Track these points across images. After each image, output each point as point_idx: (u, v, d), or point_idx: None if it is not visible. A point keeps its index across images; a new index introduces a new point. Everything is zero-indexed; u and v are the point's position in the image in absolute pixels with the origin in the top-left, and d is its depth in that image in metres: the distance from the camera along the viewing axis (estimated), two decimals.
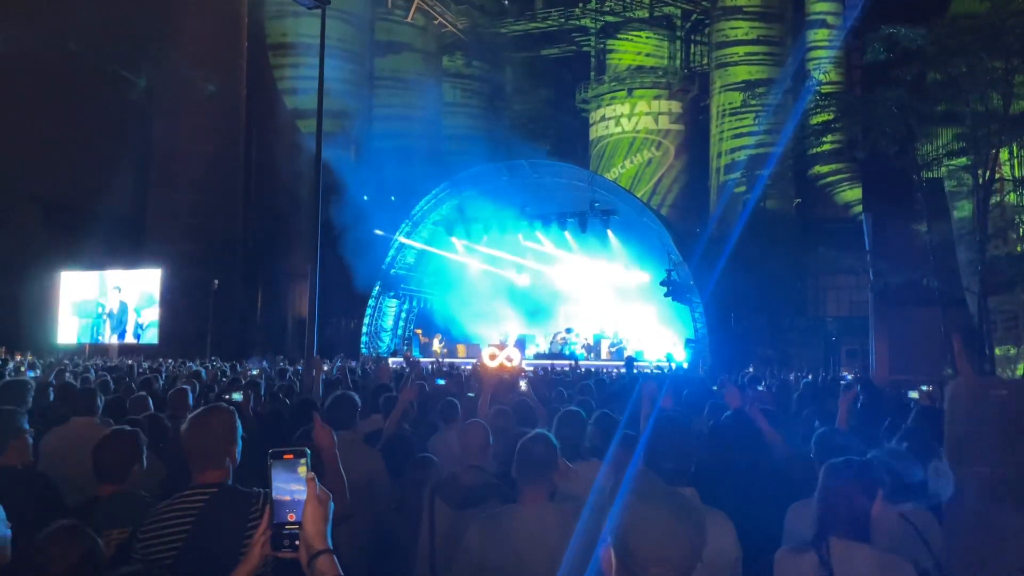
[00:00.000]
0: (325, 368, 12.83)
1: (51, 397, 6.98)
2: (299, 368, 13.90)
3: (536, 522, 3.05)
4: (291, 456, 1.78)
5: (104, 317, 28.24)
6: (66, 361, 16.44)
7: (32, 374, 11.34)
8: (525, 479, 3.19)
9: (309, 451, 1.80)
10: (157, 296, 27.51)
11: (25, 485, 3.60)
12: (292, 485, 1.76)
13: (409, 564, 3.86)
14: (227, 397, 6.11)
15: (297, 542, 1.75)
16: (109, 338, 27.97)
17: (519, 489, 3.21)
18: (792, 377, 13.37)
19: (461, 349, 26.48)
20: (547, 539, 2.95)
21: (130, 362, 16.51)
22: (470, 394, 7.22)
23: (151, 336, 27.47)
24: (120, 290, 28.27)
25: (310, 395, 7.79)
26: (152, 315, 27.65)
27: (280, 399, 7.64)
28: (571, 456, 4.10)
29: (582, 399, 6.66)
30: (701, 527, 1.81)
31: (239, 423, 2.94)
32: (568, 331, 26.08)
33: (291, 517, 1.75)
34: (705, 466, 3.92)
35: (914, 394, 8.63)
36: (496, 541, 3.04)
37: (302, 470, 1.77)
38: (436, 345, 26.73)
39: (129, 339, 27.72)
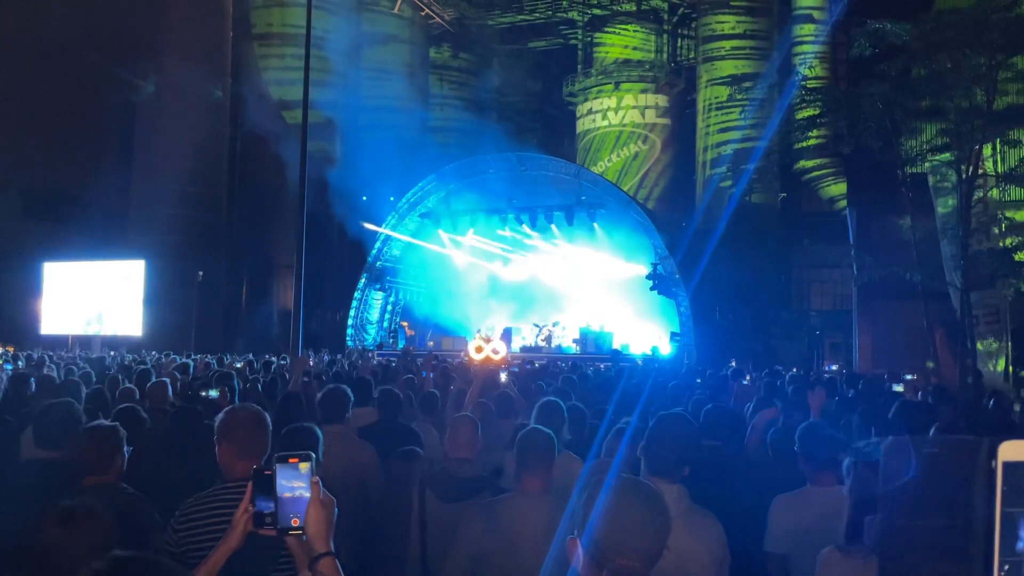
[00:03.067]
0: (312, 363, 12.73)
1: (32, 389, 6.90)
2: (283, 361, 13.79)
3: (531, 511, 3.09)
4: (295, 460, 1.79)
5: (72, 309, 27.88)
6: (49, 353, 16.26)
7: (11, 367, 11.20)
8: (527, 467, 3.22)
9: (313, 455, 1.82)
10: (129, 289, 27.14)
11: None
12: (296, 490, 1.78)
13: (397, 557, 3.84)
14: (204, 394, 5.95)
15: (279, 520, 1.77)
16: (75, 327, 27.58)
17: (519, 477, 3.24)
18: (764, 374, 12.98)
19: (447, 342, 26.36)
20: (540, 529, 2.96)
21: (112, 352, 16.38)
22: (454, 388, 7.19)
23: (125, 328, 27.11)
24: (90, 272, 27.94)
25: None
26: (124, 306, 27.28)
27: (258, 393, 7.46)
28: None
29: (563, 391, 6.60)
30: (666, 515, 1.80)
31: (268, 417, 2.96)
32: (554, 324, 26.07)
33: (295, 522, 1.77)
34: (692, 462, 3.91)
35: (899, 387, 8.71)
36: (492, 529, 3.08)
37: (304, 470, 1.79)
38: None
39: (94, 326, 27.36)
